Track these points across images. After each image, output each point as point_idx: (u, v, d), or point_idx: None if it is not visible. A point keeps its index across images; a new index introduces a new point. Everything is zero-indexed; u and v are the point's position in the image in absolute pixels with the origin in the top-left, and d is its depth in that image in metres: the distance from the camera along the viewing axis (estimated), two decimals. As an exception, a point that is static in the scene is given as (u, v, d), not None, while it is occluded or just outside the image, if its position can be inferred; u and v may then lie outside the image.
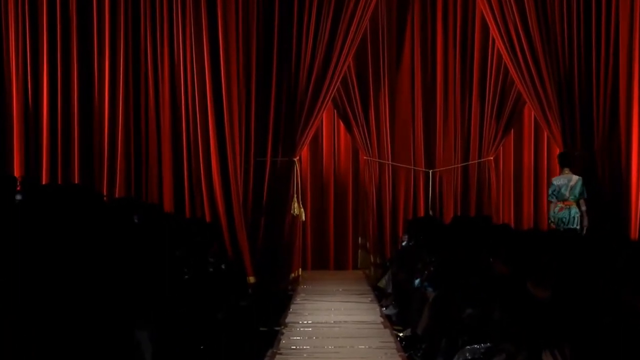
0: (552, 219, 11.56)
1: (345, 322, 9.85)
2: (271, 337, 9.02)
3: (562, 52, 12.70)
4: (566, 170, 11.73)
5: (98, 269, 4.04)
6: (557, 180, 11.74)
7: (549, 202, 11.95)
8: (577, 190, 11.50)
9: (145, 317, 4.49)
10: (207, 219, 12.02)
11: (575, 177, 11.63)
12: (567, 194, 11.50)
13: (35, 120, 12.65)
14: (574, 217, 11.40)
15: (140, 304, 4.42)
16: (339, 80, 12.77)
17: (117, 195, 12.16)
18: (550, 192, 11.74)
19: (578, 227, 11.27)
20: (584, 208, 11.57)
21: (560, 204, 11.52)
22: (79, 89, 12.59)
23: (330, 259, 14.85)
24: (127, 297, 4.18)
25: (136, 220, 6.84)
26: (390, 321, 9.87)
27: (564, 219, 11.37)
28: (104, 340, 3.88)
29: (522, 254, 5.71)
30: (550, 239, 6.12)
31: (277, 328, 9.46)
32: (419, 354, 7.75)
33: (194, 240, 7.73)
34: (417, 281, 8.51)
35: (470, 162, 13.44)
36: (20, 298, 3.75)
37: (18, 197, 6.46)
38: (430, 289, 8.11)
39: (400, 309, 9.94)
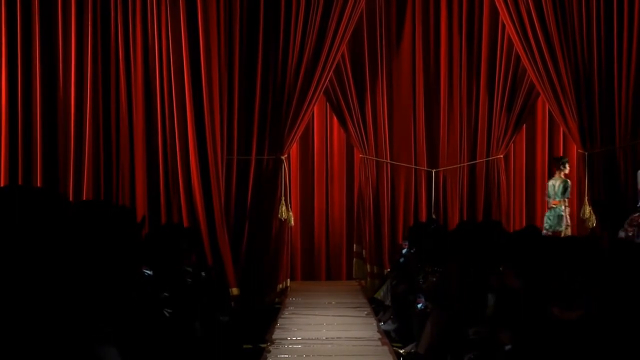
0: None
1: (339, 338, 9.85)
2: (256, 355, 9.02)
3: (580, 38, 12.68)
4: (557, 173, 13.07)
5: (57, 279, 4.02)
6: (549, 182, 13.19)
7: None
8: (559, 192, 12.94)
9: (108, 331, 4.46)
10: (185, 224, 11.97)
11: (560, 180, 12.97)
12: (552, 194, 13.04)
13: (-8, 116, 12.59)
14: (558, 215, 12.88)
15: (102, 318, 4.40)
16: (332, 69, 12.74)
17: (84, 199, 12.10)
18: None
19: (563, 226, 12.82)
20: (567, 209, 13.05)
21: (551, 204, 13.06)
22: (41, 82, 12.51)
23: (321, 269, 14.86)
24: (88, 310, 4.15)
25: (106, 227, 6.79)
26: (389, 337, 9.86)
27: (550, 217, 12.96)
28: (62, 355, 3.86)
29: (538, 266, 5.67)
30: (569, 248, 6.06)
31: (262, 345, 9.46)
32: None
33: (170, 249, 7.68)
34: (420, 305, 8.48)
35: (477, 161, 13.44)
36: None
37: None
38: (432, 303, 8.10)
39: (400, 324, 9.93)
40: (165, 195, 12.47)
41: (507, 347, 5.54)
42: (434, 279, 8.51)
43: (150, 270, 6.45)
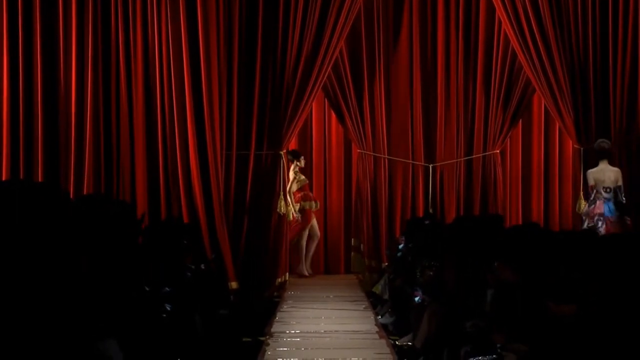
0: None
1: (337, 331, 9.87)
2: (255, 348, 9.03)
3: (576, 35, 12.70)
4: None
5: (59, 274, 4.02)
6: None
7: None
8: None
9: (109, 327, 4.47)
10: (185, 219, 11.97)
11: None
12: None
13: (-7, 111, 12.57)
14: None
15: (104, 313, 4.41)
16: (330, 66, 12.73)
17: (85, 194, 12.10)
18: None
19: None
20: None
21: None
22: (42, 78, 12.48)
23: (320, 263, 14.85)
24: (90, 305, 4.16)
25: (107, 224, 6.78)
26: (387, 330, 9.88)
27: None
28: (64, 352, 3.87)
29: (535, 261, 5.67)
30: (565, 243, 6.06)
31: (261, 338, 9.47)
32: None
33: (171, 245, 7.68)
34: (417, 298, 8.49)
35: (474, 156, 13.43)
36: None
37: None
38: (430, 296, 8.10)
39: (397, 317, 9.94)
40: (165, 190, 12.47)
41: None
42: (431, 273, 8.52)
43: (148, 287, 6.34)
